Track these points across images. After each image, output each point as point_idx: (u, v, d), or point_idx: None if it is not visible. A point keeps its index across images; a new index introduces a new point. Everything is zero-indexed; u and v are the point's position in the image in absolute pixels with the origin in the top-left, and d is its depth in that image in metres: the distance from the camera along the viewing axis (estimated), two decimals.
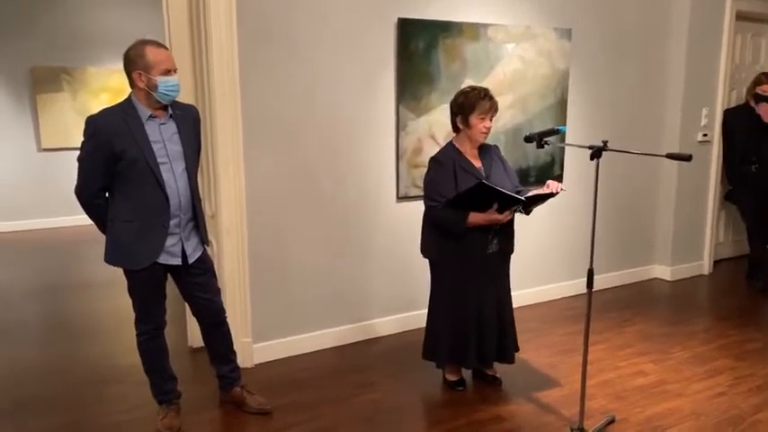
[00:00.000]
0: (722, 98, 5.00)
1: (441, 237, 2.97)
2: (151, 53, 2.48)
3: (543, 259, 4.48)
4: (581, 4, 4.32)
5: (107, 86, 7.32)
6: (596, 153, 2.57)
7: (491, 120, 2.94)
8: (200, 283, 2.77)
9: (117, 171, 2.51)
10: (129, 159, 2.48)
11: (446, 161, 2.95)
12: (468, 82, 3.74)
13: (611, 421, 2.86)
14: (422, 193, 3.08)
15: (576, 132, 4.38)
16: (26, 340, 3.95)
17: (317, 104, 3.48)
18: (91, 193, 2.58)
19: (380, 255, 3.81)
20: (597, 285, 4.09)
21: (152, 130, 2.54)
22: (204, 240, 2.78)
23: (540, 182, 3.66)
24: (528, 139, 2.98)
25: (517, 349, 3.21)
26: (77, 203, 2.61)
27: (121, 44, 2.75)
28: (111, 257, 2.63)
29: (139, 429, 2.82)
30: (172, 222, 2.59)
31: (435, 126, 3.80)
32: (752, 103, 4.73)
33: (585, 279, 2.65)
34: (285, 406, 3.01)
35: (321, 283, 3.65)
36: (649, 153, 2.89)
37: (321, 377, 3.34)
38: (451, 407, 3.03)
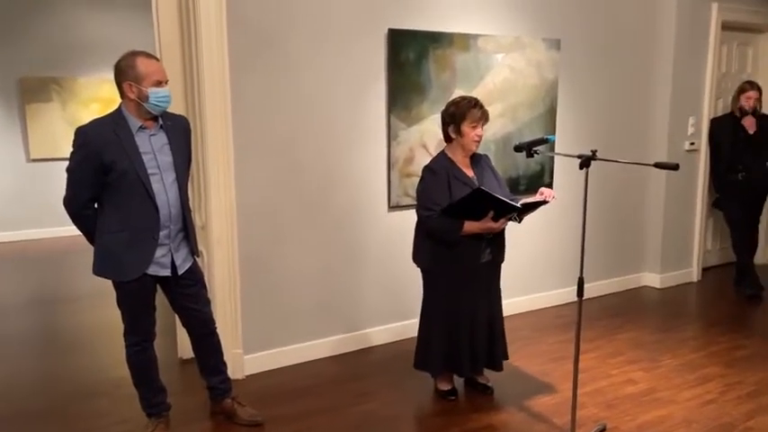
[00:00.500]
0: (708, 107, 5.06)
1: (433, 245, 2.98)
2: (142, 64, 2.48)
3: (534, 267, 4.49)
4: (569, 15, 4.37)
5: (97, 97, 7.29)
6: (585, 162, 2.60)
7: (482, 128, 2.96)
8: (190, 294, 2.75)
9: (107, 182, 2.50)
10: (118, 170, 2.47)
11: (440, 170, 2.96)
12: (458, 92, 3.76)
13: (603, 429, 2.87)
14: (414, 203, 3.09)
15: (566, 141, 4.41)
16: (13, 353, 3.90)
17: (308, 114, 3.49)
18: (79, 204, 2.56)
19: (372, 264, 3.81)
20: (587, 293, 4.10)
21: (142, 140, 2.53)
22: (194, 251, 2.77)
23: (530, 191, 3.68)
24: (517, 149, 3.00)
25: (506, 357, 3.22)
26: (66, 214, 2.59)
27: (112, 54, 2.75)
28: (100, 269, 2.61)
29: None
30: (162, 233, 2.58)
31: (426, 135, 3.81)
32: (737, 113, 4.79)
33: (576, 287, 2.67)
34: (277, 417, 2.99)
35: (313, 293, 3.64)
36: (637, 162, 2.93)
37: (313, 388, 3.32)
38: (445, 416, 3.02)
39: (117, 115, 2.53)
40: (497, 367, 3.17)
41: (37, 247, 6.93)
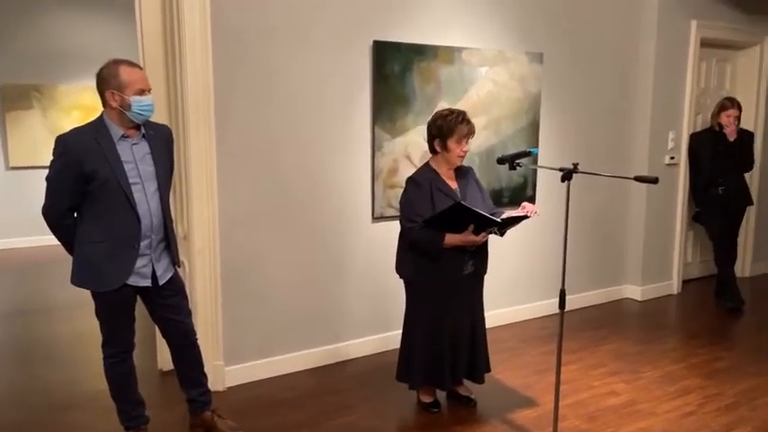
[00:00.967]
0: (688, 122, 5.15)
1: (416, 257, 2.98)
2: (125, 73, 2.46)
3: (518, 279, 4.51)
4: (552, 30, 4.43)
5: (79, 104, 7.22)
6: (567, 175, 2.63)
7: (468, 144, 2.98)
8: (170, 304, 2.72)
9: (87, 191, 2.47)
10: (99, 179, 2.44)
11: (423, 182, 2.97)
12: (442, 104, 3.78)
13: None
14: (397, 214, 3.09)
15: (548, 154, 4.45)
16: None
17: (293, 125, 3.49)
18: (59, 214, 2.53)
19: (356, 275, 3.80)
20: (570, 305, 4.12)
21: (124, 149, 2.51)
22: (176, 261, 2.74)
23: (513, 203, 3.71)
24: (500, 161, 3.02)
25: (488, 370, 3.22)
26: (45, 224, 2.55)
27: (93, 61, 2.73)
28: (79, 279, 2.57)
29: None
30: (143, 243, 2.56)
31: (411, 147, 3.83)
32: (716, 128, 4.87)
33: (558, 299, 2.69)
34: (257, 430, 2.96)
35: (295, 304, 3.62)
36: (618, 176, 2.96)
37: (295, 400, 3.29)
38: (427, 429, 3.01)
39: (98, 124, 2.51)
40: (479, 380, 3.17)
41: (15, 256, 6.81)
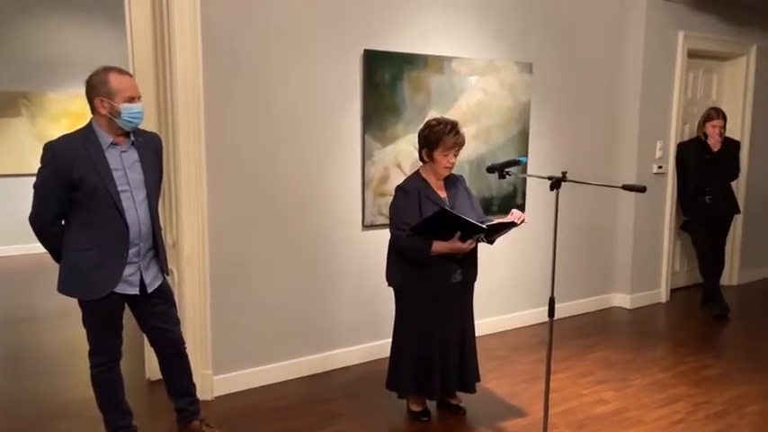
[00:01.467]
0: (675, 132, 5.20)
1: (404, 265, 2.98)
2: (115, 80, 2.46)
3: (509, 287, 4.52)
4: (541, 40, 4.47)
5: (67, 112, 7.17)
6: (556, 184, 2.64)
7: (455, 155, 2.98)
8: (159, 312, 2.70)
9: (75, 199, 2.46)
10: (88, 187, 2.43)
11: (411, 190, 2.97)
12: (432, 113, 3.80)
13: None
14: (388, 222, 3.09)
15: (538, 163, 4.48)
16: None
17: (283, 134, 3.49)
18: (46, 221, 2.51)
19: (346, 283, 3.79)
20: (560, 313, 4.13)
21: (113, 157, 2.50)
22: (164, 270, 2.72)
23: (503, 211, 3.72)
24: (490, 170, 3.04)
25: (479, 379, 3.21)
26: (32, 232, 2.53)
27: (83, 69, 2.72)
28: (66, 287, 2.55)
29: None
30: (131, 251, 2.54)
31: (401, 155, 3.84)
32: (702, 137, 4.93)
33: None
34: None
35: (285, 313, 3.60)
36: (606, 184, 2.99)
37: (285, 409, 3.27)
38: None
39: (87, 131, 2.50)
40: (470, 389, 3.16)
41: (1, 264, 6.73)
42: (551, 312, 2.69)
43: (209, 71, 3.20)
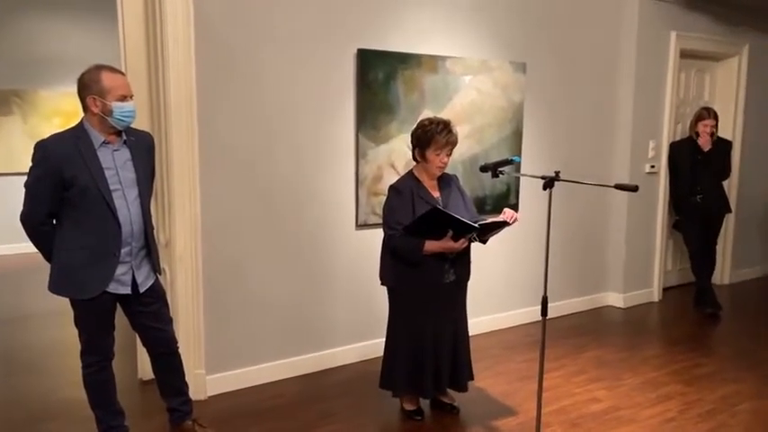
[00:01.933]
0: (668, 131, 5.23)
1: (398, 265, 2.98)
2: (107, 78, 2.45)
3: (502, 286, 4.53)
4: (535, 40, 4.48)
5: (59, 110, 7.13)
6: (549, 183, 2.65)
7: (448, 155, 2.97)
8: (151, 311, 2.69)
9: (67, 197, 2.44)
10: (80, 186, 2.42)
11: (404, 190, 2.97)
12: (426, 113, 3.80)
13: None
14: (381, 221, 3.09)
15: (531, 163, 4.49)
16: None
17: (277, 132, 3.48)
18: (37, 220, 2.50)
19: (340, 282, 3.79)
20: (554, 312, 4.14)
21: (105, 156, 2.49)
22: (156, 269, 2.71)
23: (496, 210, 3.73)
24: (483, 169, 3.04)
25: (472, 378, 3.22)
26: (23, 231, 2.51)
27: (75, 67, 2.70)
28: (57, 286, 2.54)
29: None
30: (123, 251, 2.53)
31: (395, 155, 3.84)
32: (694, 136, 4.96)
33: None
34: None
35: (278, 312, 3.60)
36: (599, 183, 2.99)
37: (278, 409, 3.26)
38: None
39: (79, 129, 2.49)
40: (462, 388, 3.17)
41: None
42: (544, 311, 2.69)
43: (202, 70, 3.19)
